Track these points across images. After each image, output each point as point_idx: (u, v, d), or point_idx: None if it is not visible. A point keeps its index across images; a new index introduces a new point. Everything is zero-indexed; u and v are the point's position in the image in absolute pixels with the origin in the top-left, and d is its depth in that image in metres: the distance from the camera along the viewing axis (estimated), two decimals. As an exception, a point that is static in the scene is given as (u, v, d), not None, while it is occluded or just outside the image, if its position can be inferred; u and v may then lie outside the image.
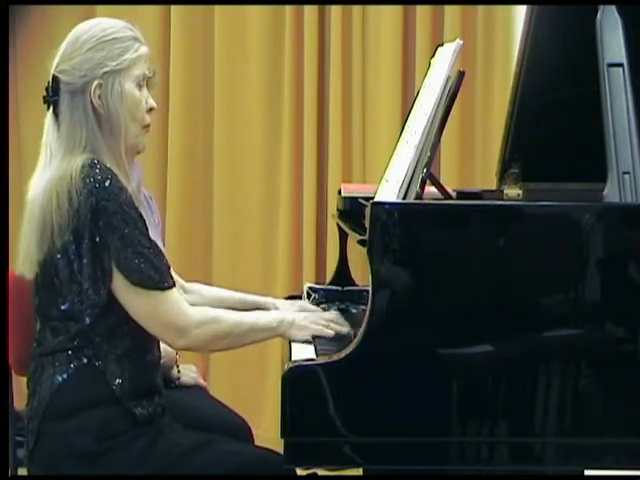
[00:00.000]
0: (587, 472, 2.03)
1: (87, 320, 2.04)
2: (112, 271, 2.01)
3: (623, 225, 1.98)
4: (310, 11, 3.67)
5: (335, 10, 3.64)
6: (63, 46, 2.12)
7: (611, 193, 2.01)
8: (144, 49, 2.14)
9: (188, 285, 2.50)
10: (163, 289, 2.04)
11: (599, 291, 1.94)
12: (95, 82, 2.07)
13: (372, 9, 3.63)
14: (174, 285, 2.08)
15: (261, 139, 3.77)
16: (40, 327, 2.11)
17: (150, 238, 2.06)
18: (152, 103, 2.16)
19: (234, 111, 3.78)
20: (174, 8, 3.80)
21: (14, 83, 3.87)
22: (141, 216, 2.06)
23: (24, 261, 2.08)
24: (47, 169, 2.08)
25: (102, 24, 2.13)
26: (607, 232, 1.96)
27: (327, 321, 2.22)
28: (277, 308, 2.47)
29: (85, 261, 2.01)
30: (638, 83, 2.07)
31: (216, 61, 3.78)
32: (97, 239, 2.00)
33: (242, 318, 2.15)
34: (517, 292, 1.95)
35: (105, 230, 2.00)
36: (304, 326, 2.18)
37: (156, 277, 2.03)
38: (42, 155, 2.12)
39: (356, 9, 3.63)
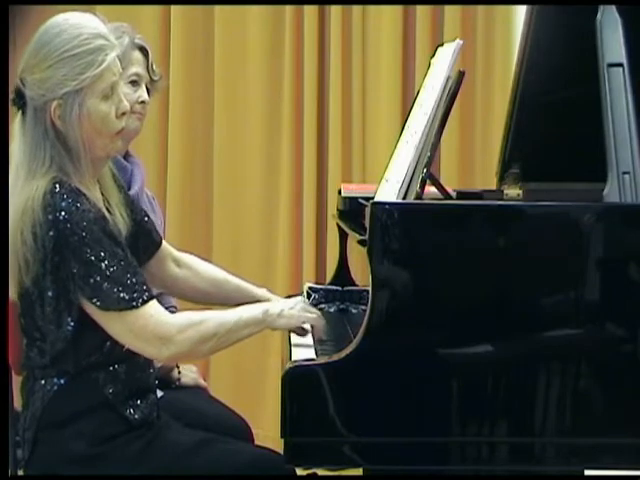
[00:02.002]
0: (587, 472, 2.03)
1: (60, 352, 2.01)
2: (79, 301, 1.98)
3: (623, 225, 1.98)
4: (310, 11, 3.67)
5: (335, 10, 3.64)
6: (28, 50, 2.05)
7: (611, 193, 2.01)
8: (110, 58, 2.01)
9: (179, 255, 2.41)
10: (136, 307, 1.98)
11: (599, 291, 1.94)
12: (55, 102, 1.99)
13: (372, 9, 3.62)
14: (150, 298, 2.01)
15: (261, 139, 3.77)
16: (27, 343, 2.09)
17: (118, 252, 1.99)
18: (124, 107, 2.06)
19: (234, 111, 3.78)
20: (174, 8, 3.80)
21: (14, 83, 3.87)
22: (106, 231, 1.99)
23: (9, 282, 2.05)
24: (15, 188, 2.02)
25: (65, 32, 2.01)
26: (607, 232, 1.96)
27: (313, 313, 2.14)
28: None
29: (50, 293, 1.98)
30: (638, 83, 2.07)
31: (216, 61, 3.78)
32: (60, 271, 1.96)
33: (226, 315, 2.07)
34: (517, 292, 1.95)
35: (68, 259, 1.95)
36: (292, 315, 2.10)
37: (126, 296, 1.97)
38: (10, 166, 2.05)
39: (356, 9, 3.63)
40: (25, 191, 1.99)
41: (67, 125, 2.01)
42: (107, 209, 2.09)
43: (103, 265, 1.96)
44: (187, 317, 2.05)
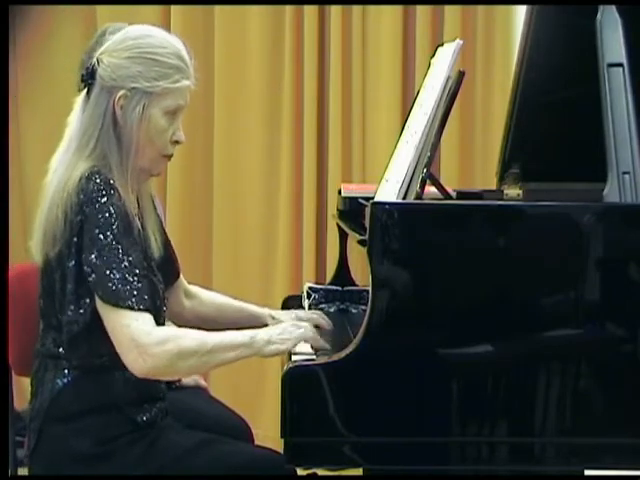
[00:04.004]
0: (587, 472, 2.03)
1: (74, 336, 2.01)
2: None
3: (623, 225, 1.98)
4: (310, 11, 3.67)
5: (335, 10, 3.64)
6: (114, 37, 2.07)
7: (611, 193, 2.01)
8: (185, 83, 2.06)
9: (189, 287, 2.42)
10: (129, 308, 1.95)
11: (599, 291, 1.94)
12: (122, 91, 2.02)
13: (372, 9, 3.63)
14: (144, 310, 1.97)
15: (261, 139, 3.77)
16: (43, 328, 2.10)
17: (133, 258, 1.98)
18: (180, 136, 2.10)
19: (234, 111, 3.78)
20: (174, 8, 3.80)
21: (14, 82, 3.87)
22: (128, 232, 1.99)
23: (34, 247, 2.06)
24: (62, 162, 2.06)
25: (154, 37, 2.07)
26: (607, 232, 1.96)
27: (306, 320, 2.12)
28: (274, 318, 2.39)
29: (71, 268, 1.98)
30: (638, 83, 2.07)
31: (216, 61, 3.78)
32: (82, 254, 1.97)
33: (209, 335, 2.02)
34: (517, 292, 1.95)
35: (88, 245, 1.96)
36: (284, 339, 2.05)
37: (124, 294, 1.95)
38: (65, 136, 2.10)
39: (356, 9, 3.63)
40: (69, 169, 2.02)
41: (126, 118, 2.04)
42: (142, 227, 2.11)
43: (113, 256, 1.95)
44: (169, 330, 2.06)
